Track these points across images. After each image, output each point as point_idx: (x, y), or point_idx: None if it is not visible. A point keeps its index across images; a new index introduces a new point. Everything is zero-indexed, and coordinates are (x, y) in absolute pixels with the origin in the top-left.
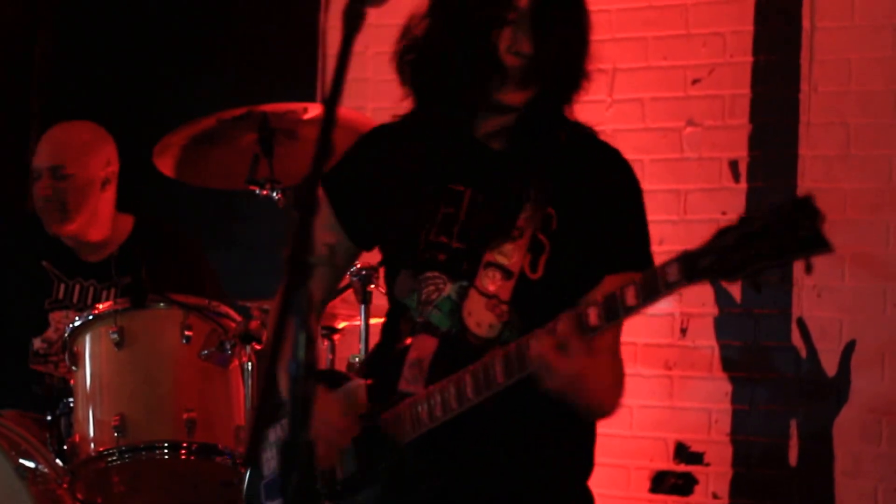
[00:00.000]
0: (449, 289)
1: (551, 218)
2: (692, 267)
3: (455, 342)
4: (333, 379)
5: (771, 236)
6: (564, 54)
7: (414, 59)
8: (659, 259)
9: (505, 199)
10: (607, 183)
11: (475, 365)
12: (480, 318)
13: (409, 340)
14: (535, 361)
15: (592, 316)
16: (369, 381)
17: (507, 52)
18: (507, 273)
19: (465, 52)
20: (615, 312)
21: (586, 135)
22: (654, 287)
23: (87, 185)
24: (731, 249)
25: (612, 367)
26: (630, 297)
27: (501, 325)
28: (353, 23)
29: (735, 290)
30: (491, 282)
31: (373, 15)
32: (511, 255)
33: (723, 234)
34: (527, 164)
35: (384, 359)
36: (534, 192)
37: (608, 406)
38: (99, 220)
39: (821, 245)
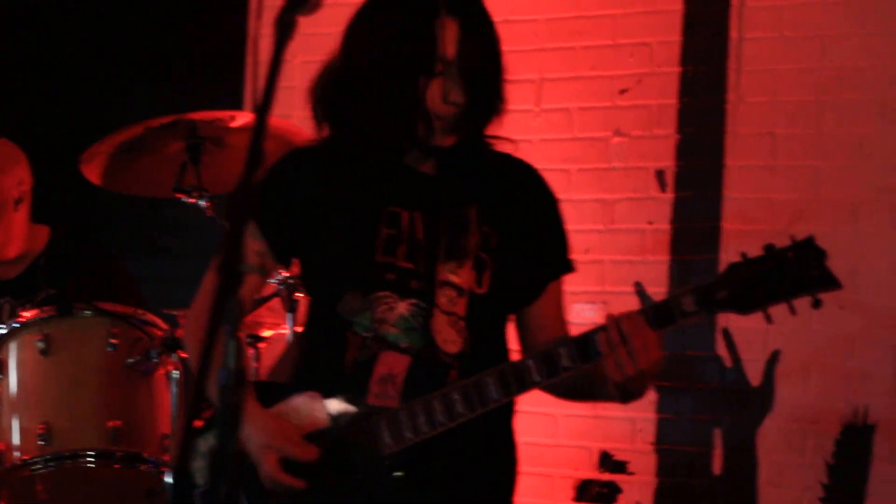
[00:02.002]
0: (401, 307)
1: (489, 236)
2: (708, 299)
3: (428, 359)
4: (274, 391)
5: (784, 275)
6: (493, 94)
7: (335, 100)
8: (585, 268)
9: (446, 220)
10: (531, 198)
11: (464, 383)
12: (447, 335)
13: (361, 356)
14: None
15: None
16: (319, 394)
17: (443, 103)
18: (459, 290)
19: (395, 103)
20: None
21: (504, 153)
22: (669, 315)
23: (0, 206)
24: (745, 285)
25: None
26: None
27: (463, 341)
28: (284, 31)
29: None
30: (448, 300)
31: (303, 24)
32: (460, 273)
33: (734, 269)
34: (459, 186)
35: (326, 373)
36: (470, 212)
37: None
38: (13, 238)
39: (830, 282)
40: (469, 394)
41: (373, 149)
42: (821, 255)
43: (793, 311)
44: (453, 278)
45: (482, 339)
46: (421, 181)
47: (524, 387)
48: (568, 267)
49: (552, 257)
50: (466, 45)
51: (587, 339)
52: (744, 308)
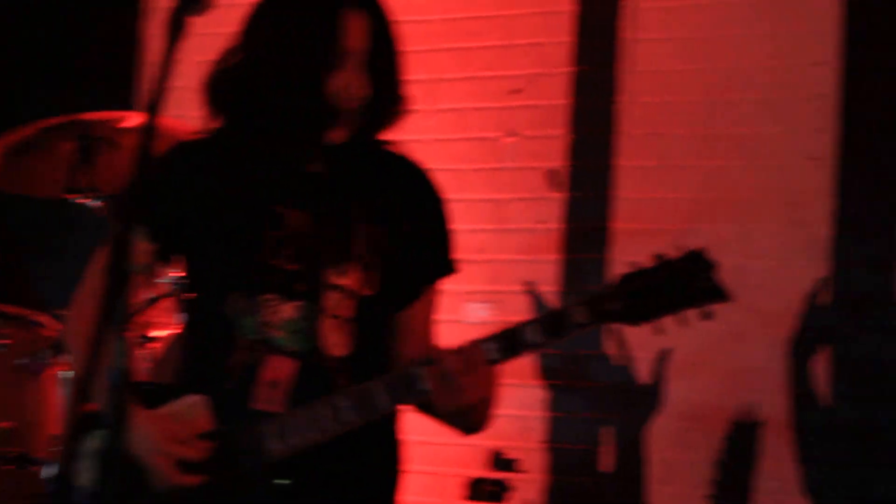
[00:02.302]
0: (288, 310)
1: (378, 237)
2: (599, 310)
3: (314, 364)
4: (157, 392)
5: (675, 287)
6: (396, 90)
7: (233, 95)
8: (478, 267)
9: (334, 220)
10: (418, 199)
11: (351, 390)
12: (334, 339)
13: (246, 359)
14: (438, 385)
15: (492, 349)
16: (206, 398)
17: (344, 96)
18: (347, 293)
19: (297, 97)
20: (514, 349)
21: (393, 153)
22: (559, 326)
23: None
24: (636, 298)
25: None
26: (532, 334)
27: (350, 345)
28: (176, 31)
29: (552, 299)
30: (336, 303)
31: (198, 24)
32: (348, 275)
33: (627, 280)
34: (348, 186)
35: (209, 375)
36: (359, 212)
37: (485, 425)
38: None
39: (717, 295)
40: (357, 400)
41: (274, 145)
42: (710, 266)
43: (682, 323)
44: (341, 280)
45: (369, 341)
46: (310, 180)
47: (415, 397)
48: (447, 269)
49: (433, 259)
50: (371, 39)
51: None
52: (635, 320)
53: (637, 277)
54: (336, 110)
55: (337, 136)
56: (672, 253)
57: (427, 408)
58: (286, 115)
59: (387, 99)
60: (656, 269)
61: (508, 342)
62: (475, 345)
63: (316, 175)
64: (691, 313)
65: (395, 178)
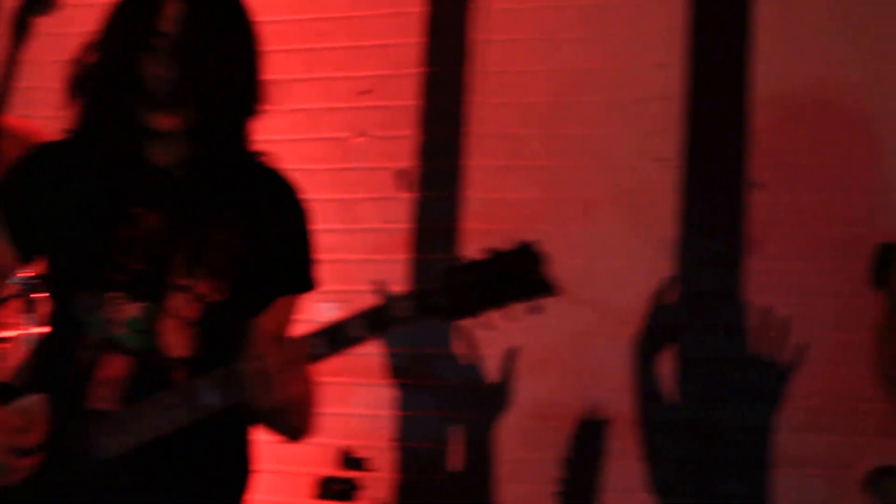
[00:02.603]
0: (133, 309)
1: (232, 244)
2: (425, 304)
3: (149, 363)
4: (5, 392)
5: (499, 281)
6: (213, 77)
7: (84, 89)
8: (327, 267)
9: (188, 224)
10: (279, 208)
11: (178, 387)
12: (174, 339)
13: (88, 357)
14: (256, 381)
15: (318, 344)
16: (46, 396)
17: (151, 77)
18: (194, 295)
19: (113, 78)
20: (339, 343)
21: (263, 164)
22: (383, 320)
23: None
24: (462, 292)
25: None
26: (357, 329)
27: (192, 346)
28: (20, 32)
29: None
30: (180, 304)
31: (46, 24)
32: (197, 278)
33: (453, 274)
34: (208, 192)
35: (56, 373)
36: (215, 218)
37: (308, 427)
38: None
39: (544, 289)
40: (182, 397)
41: (103, 137)
42: (539, 260)
43: (510, 317)
44: (188, 283)
45: (214, 345)
46: (166, 181)
47: (237, 393)
48: (304, 285)
49: (289, 273)
50: (186, 22)
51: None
52: (460, 314)
53: (463, 271)
54: (150, 93)
55: (165, 122)
56: (502, 246)
57: (252, 411)
58: (113, 100)
59: (205, 84)
60: (483, 263)
61: (332, 337)
62: (296, 340)
63: (175, 177)
64: (519, 307)
65: (258, 189)
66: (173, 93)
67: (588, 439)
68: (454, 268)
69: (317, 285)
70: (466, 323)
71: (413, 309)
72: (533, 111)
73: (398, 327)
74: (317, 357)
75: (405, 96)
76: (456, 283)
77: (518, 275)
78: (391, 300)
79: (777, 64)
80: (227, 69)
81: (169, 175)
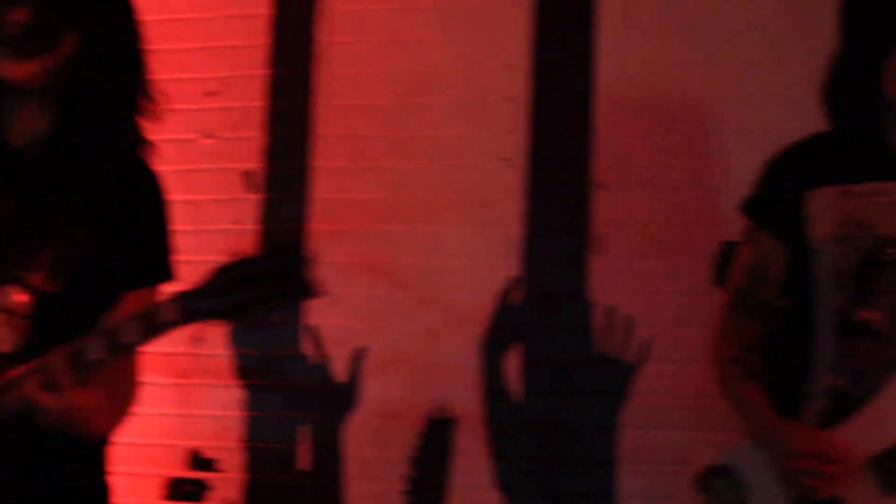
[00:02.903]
0: None
1: (77, 234)
2: (188, 308)
3: None
4: None
5: (265, 282)
6: (75, 25)
7: None
8: (177, 268)
9: (32, 211)
10: (135, 198)
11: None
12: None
13: None
14: (21, 404)
15: (92, 351)
16: None
17: (4, 19)
18: (27, 287)
19: None
20: (115, 349)
21: (128, 152)
22: (152, 325)
23: None
24: (225, 294)
25: (115, 391)
26: (128, 334)
27: (21, 340)
28: None
29: None
30: (10, 296)
31: None
32: (32, 268)
33: (219, 275)
34: (57, 174)
35: None
36: (62, 206)
37: (106, 431)
38: None
39: (308, 292)
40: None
41: None
42: (302, 261)
43: (276, 316)
44: (21, 274)
45: (48, 339)
46: (16, 161)
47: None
48: (159, 277)
49: (141, 265)
50: None
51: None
52: (224, 316)
53: (226, 273)
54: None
55: (8, 70)
56: (265, 247)
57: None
58: None
59: (56, 30)
60: (244, 264)
61: (109, 341)
62: (73, 346)
63: (27, 158)
64: (283, 308)
65: (116, 177)
66: (26, 35)
67: (435, 438)
68: (216, 270)
69: (174, 278)
70: (230, 323)
71: (177, 313)
72: (378, 112)
73: (167, 331)
74: (96, 363)
75: (252, 97)
76: (218, 285)
77: (281, 276)
78: (159, 305)
79: (618, 65)
80: (93, 24)
81: (20, 155)
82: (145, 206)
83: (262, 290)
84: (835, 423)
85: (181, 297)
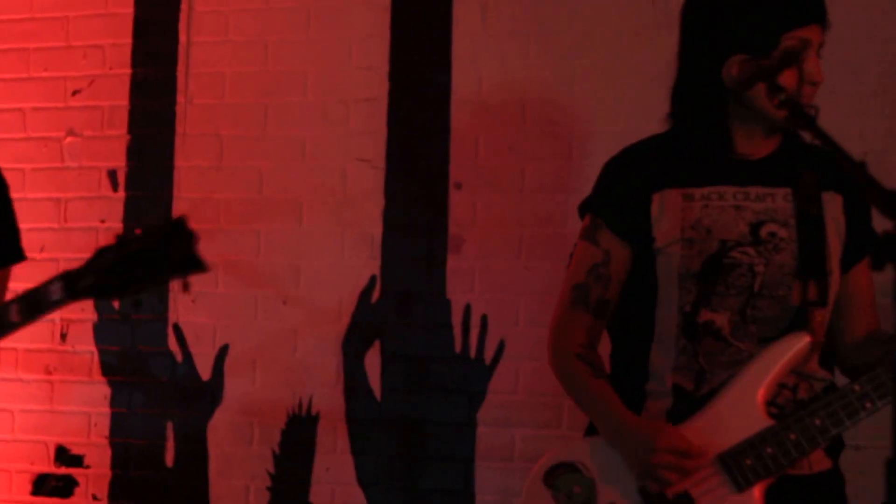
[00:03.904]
0: None
1: None
2: (73, 286)
3: None
4: None
5: (149, 258)
6: None
7: None
8: (40, 265)
9: None
10: None
11: None
12: None
13: None
14: None
15: None
16: None
17: None
18: None
19: None
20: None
21: None
22: (37, 305)
23: None
24: (110, 271)
25: None
26: (14, 314)
27: None
28: None
29: None
30: None
31: None
32: None
33: (102, 253)
34: None
35: None
36: None
37: None
38: None
39: (196, 265)
40: None
41: None
42: (190, 236)
43: (185, 287)
44: None
45: None
46: None
47: None
48: (10, 257)
49: None
50: None
51: None
52: (110, 293)
53: (112, 250)
54: None
55: None
56: (152, 225)
57: None
58: None
59: None
60: (131, 241)
61: None
62: None
63: None
64: (172, 283)
65: None
66: None
67: (298, 434)
68: (101, 248)
69: (24, 257)
70: (116, 300)
71: (62, 291)
72: (241, 112)
73: (52, 310)
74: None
75: (115, 96)
76: (104, 262)
77: (168, 251)
78: (44, 284)
79: (475, 67)
80: None
81: None
82: None
83: (147, 266)
84: (676, 421)
85: (66, 276)
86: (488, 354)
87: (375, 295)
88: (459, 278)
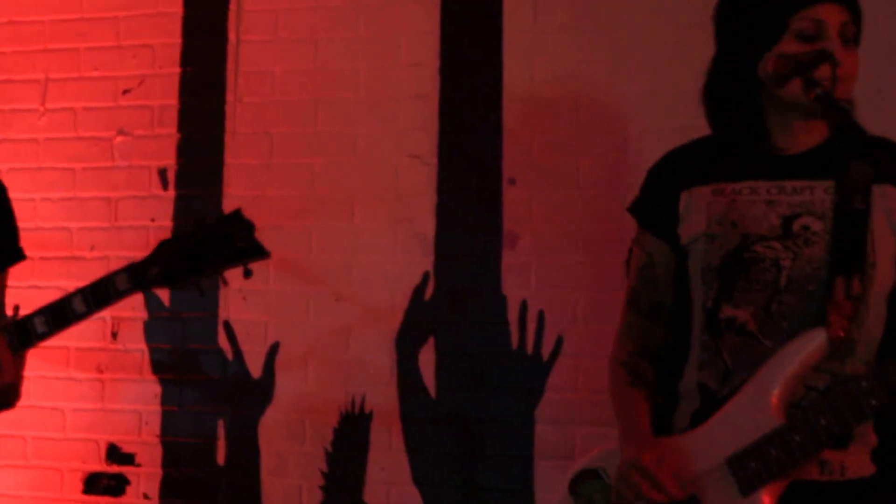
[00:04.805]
0: None
1: None
2: (141, 277)
3: None
4: None
5: (210, 246)
6: None
7: None
8: (91, 264)
9: None
10: None
11: None
12: None
13: None
14: None
15: (39, 324)
16: None
17: None
18: None
19: None
20: (65, 319)
21: None
22: (104, 296)
23: None
24: (176, 260)
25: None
26: (78, 304)
27: None
28: None
29: (164, 294)
30: None
31: None
32: None
33: (165, 245)
34: None
35: None
36: None
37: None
38: None
39: (257, 252)
40: None
41: None
42: (248, 226)
43: (224, 282)
44: None
45: None
46: None
47: None
48: (10, 258)
49: None
50: None
51: None
52: (174, 282)
53: (175, 242)
54: None
55: None
56: (211, 217)
57: None
58: None
59: None
60: (194, 233)
61: (56, 314)
62: (19, 321)
63: None
64: (233, 271)
65: None
66: None
67: (351, 432)
68: (165, 240)
69: (24, 257)
70: (182, 288)
71: (129, 281)
72: (290, 109)
73: (118, 300)
74: (41, 336)
75: (165, 96)
76: (168, 253)
77: (229, 241)
78: (109, 275)
79: (527, 62)
80: None
81: None
82: None
83: (210, 254)
84: (701, 422)
85: (132, 268)
86: (546, 351)
87: (429, 292)
88: (515, 274)
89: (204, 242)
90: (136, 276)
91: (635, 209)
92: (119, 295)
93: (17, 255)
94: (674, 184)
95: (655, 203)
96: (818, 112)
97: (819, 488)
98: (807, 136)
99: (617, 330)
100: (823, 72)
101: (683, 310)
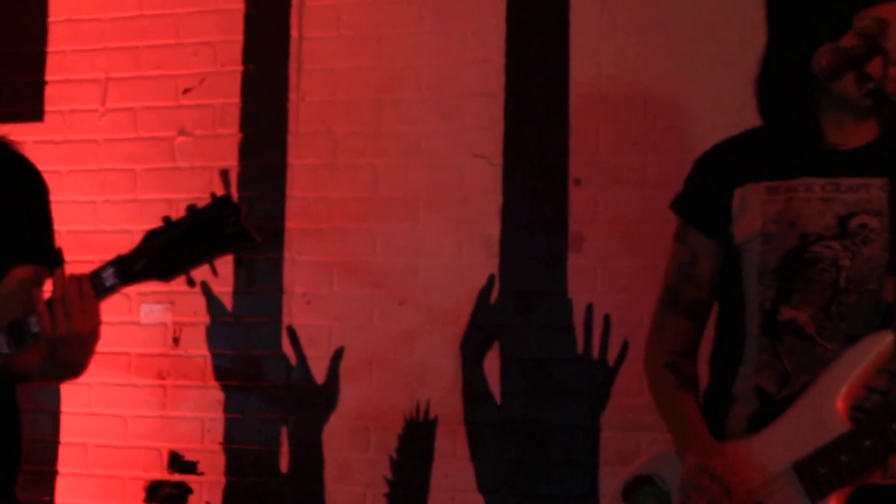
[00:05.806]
0: None
1: None
2: (127, 270)
3: None
4: None
5: (198, 235)
6: None
7: None
8: None
9: None
10: (16, 186)
11: None
12: None
13: None
14: (56, 308)
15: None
16: None
17: None
18: None
19: None
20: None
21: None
22: (97, 288)
23: None
24: (162, 251)
25: None
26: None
27: None
28: None
29: (226, 299)
30: None
31: None
32: None
33: (152, 236)
34: None
35: None
36: None
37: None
38: None
39: (245, 238)
40: None
41: None
42: (237, 211)
43: (214, 272)
44: None
45: None
46: None
47: (29, 341)
48: (40, 258)
49: (24, 244)
50: None
51: (21, 323)
52: (163, 274)
53: (161, 233)
54: None
55: None
56: (199, 205)
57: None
58: None
59: None
60: (179, 222)
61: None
62: (86, 276)
63: None
64: (222, 259)
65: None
66: None
67: (415, 439)
68: (150, 231)
69: (59, 261)
70: (172, 280)
71: (116, 276)
72: (353, 108)
73: (107, 296)
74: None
75: (226, 94)
76: (154, 245)
77: (217, 229)
78: (96, 272)
79: (593, 60)
80: None
81: None
82: (26, 191)
83: (198, 243)
84: (760, 426)
85: (118, 262)
86: (612, 356)
87: (494, 295)
88: (581, 277)
89: (191, 230)
90: (123, 271)
91: (681, 205)
92: (107, 291)
93: (52, 256)
94: (725, 180)
95: (705, 199)
96: (870, 108)
97: (881, 492)
98: (859, 132)
99: (650, 328)
100: (875, 66)
101: (735, 310)
